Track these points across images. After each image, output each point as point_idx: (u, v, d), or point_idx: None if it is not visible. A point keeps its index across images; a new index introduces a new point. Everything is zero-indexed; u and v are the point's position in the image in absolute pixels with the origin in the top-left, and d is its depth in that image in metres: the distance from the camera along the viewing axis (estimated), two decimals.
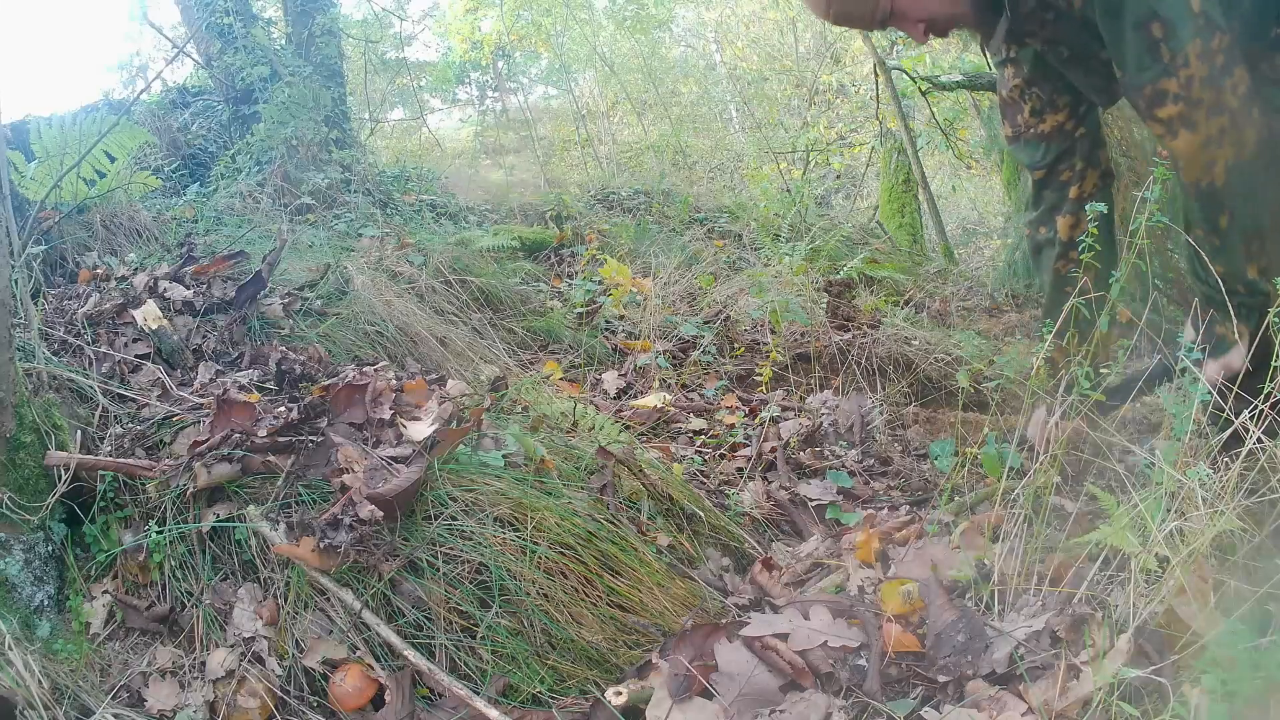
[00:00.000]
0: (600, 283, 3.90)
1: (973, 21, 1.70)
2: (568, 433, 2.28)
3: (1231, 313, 1.47)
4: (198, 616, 1.63)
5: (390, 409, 1.91)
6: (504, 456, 1.89)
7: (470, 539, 1.66)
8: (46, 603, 1.64)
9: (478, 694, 1.48)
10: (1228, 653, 1.12)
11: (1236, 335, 1.49)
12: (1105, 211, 1.54)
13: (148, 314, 2.33)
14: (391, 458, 1.77)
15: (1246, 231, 1.44)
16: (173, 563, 1.68)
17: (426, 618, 1.59)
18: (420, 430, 1.86)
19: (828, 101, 9.89)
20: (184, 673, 1.57)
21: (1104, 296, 1.49)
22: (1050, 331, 1.63)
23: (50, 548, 1.69)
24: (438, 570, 1.62)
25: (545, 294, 3.93)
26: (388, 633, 1.55)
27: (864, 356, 3.16)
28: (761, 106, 10.76)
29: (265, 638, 1.58)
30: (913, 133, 6.21)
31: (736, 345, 3.46)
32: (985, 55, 1.88)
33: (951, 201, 9.18)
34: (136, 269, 2.75)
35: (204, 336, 2.43)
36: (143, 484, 1.75)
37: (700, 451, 2.59)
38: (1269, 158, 1.41)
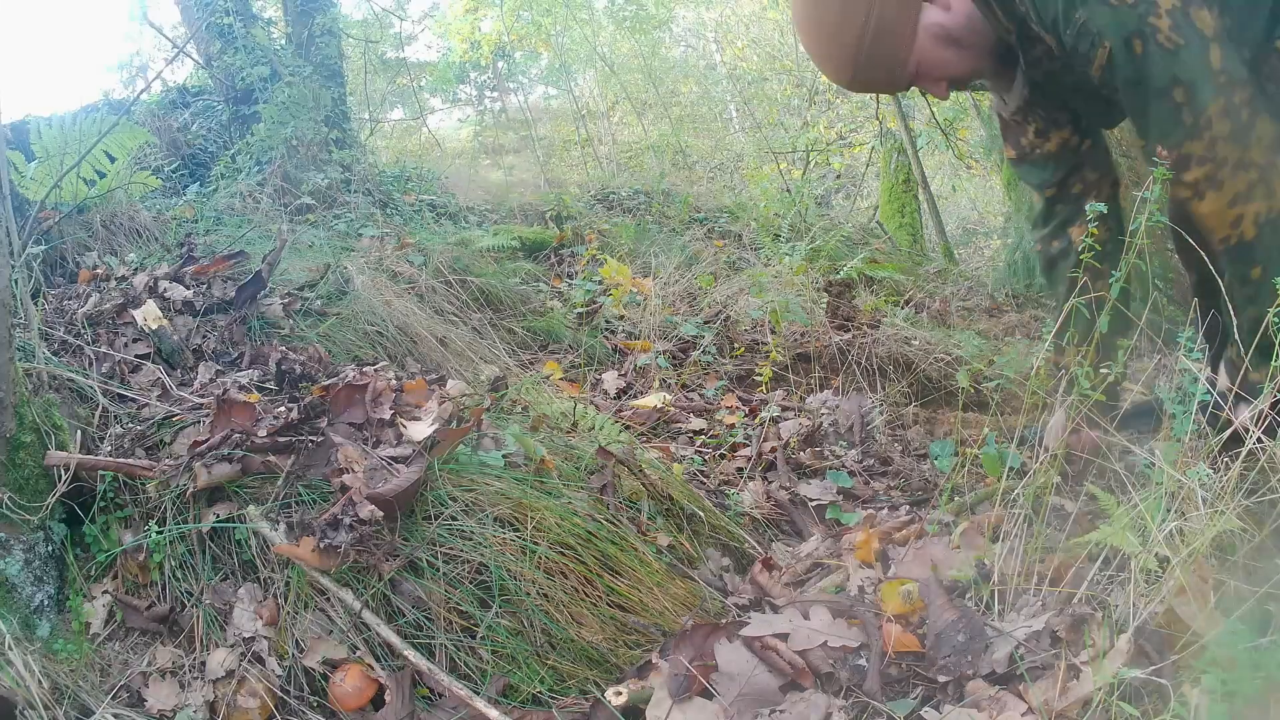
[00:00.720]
0: (600, 283, 3.90)
1: (990, 74, 1.70)
2: (568, 433, 2.28)
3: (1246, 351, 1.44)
4: (198, 616, 1.63)
5: (390, 409, 1.91)
6: (504, 456, 1.89)
7: (470, 539, 1.66)
8: (46, 603, 1.64)
9: (478, 694, 1.48)
10: (1228, 653, 1.12)
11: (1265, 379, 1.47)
12: (1105, 212, 1.53)
13: (148, 314, 2.33)
14: (391, 458, 1.77)
15: None
16: (173, 563, 1.68)
17: (426, 618, 1.59)
18: (420, 430, 1.86)
19: (828, 101, 9.89)
20: (184, 673, 1.57)
21: (1105, 297, 1.49)
22: (1051, 332, 1.63)
23: (50, 548, 1.68)
24: (438, 570, 1.62)
25: (545, 294, 3.93)
26: (388, 633, 1.55)
27: (864, 356, 3.16)
28: (761, 106, 10.77)
29: (265, 638, 1.58)
30: (913, 133, 6.21)
31: (736, 345, 3.46)
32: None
33: (951, 201, 9.19)
34: (136, 269, 2.75)
35: (204, 336, 2.43)
36: (143, 484, 1.75)
37: (700, 451, 2.59)
38: None
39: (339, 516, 1.60)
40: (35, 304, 2.34)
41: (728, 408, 2.94)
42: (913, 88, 1.70)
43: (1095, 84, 1.51)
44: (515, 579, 1.62)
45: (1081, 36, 1.42)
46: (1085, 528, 1.46)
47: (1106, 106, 1.64)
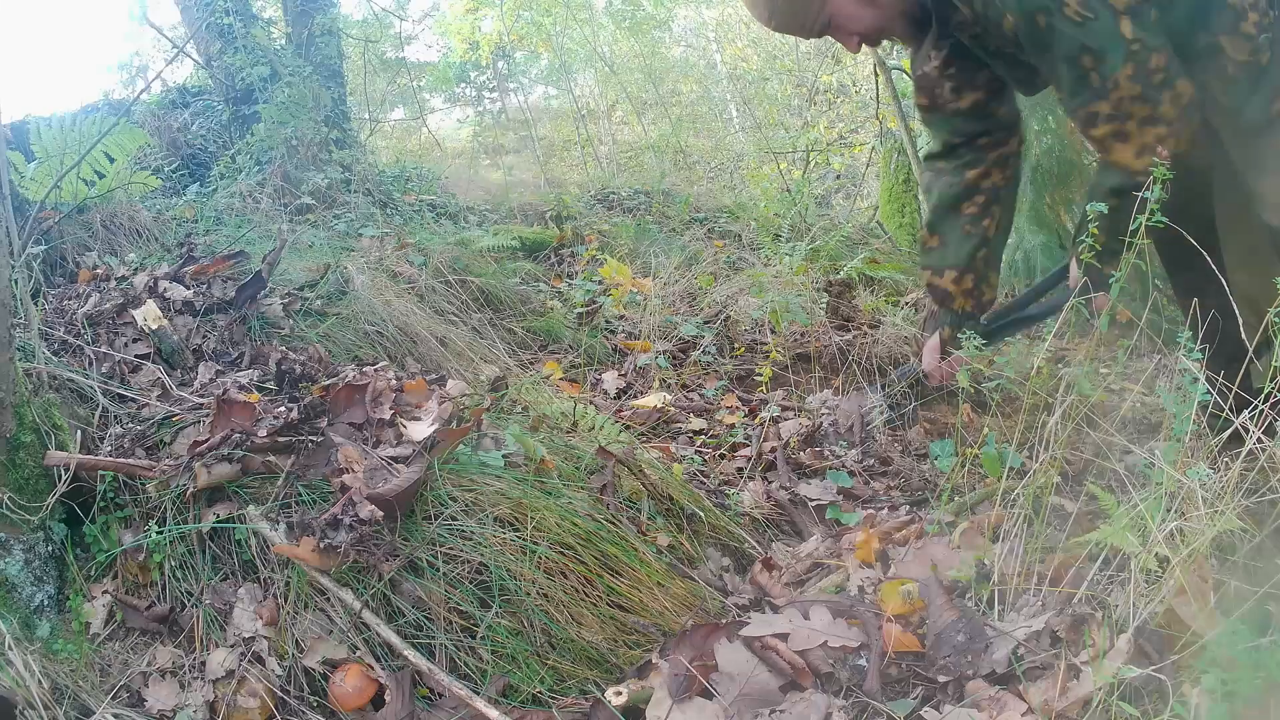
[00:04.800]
0: (600, 283, 3.90)
1: (902, 34, 1.78)
2: (568, 433, 2.28)
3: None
4: (198, 616, 1.63)
5: (390, 409, 1.91)
6: (504, 456, 1.89)
7: (470, 539, 1.66)
8: (46, 603, 1.64)
9: (478, 694, 1.48)
10: (1228, 653, 1.12)
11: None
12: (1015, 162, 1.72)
13: (148, 314, 2.33)
14: (391, 458, 1.77)
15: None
16: (173, 563, 1.68)
17: (426, 618, 1.59)
18: (420, 430, 1.86)
19: (828, 101, 9.88)
20: (184, 673, 1.57)
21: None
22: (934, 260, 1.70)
23: (50, 548, 1.69)
24: (438, 570, 1.62)
25: (545, 294, 3.93)
26: (388, 633, 1.55)
27: (864, 356, 3.15)
28: (761, 106, 10.74)
29: (265, 638, 1.58)
30: (913, 133, 6.20)
31: (736, 345, 3.46)
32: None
33: None
34: (136, 269, 2.75)
35: (204, 336, 2.43)
36: (143, 484, 1.75)
37: (700, 451, 2.59)
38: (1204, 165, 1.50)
39: (339, 516, 1.60)
40: (35, 304, 2.34)
41: (728, 408, 2.94)
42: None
43: (1013, 49, 1.61)
44: (515, 579, 1.62)
45: (989, 5, 1.53)
46: (1085, 528, 1.47)
47: (1028, 73, 1.72)
